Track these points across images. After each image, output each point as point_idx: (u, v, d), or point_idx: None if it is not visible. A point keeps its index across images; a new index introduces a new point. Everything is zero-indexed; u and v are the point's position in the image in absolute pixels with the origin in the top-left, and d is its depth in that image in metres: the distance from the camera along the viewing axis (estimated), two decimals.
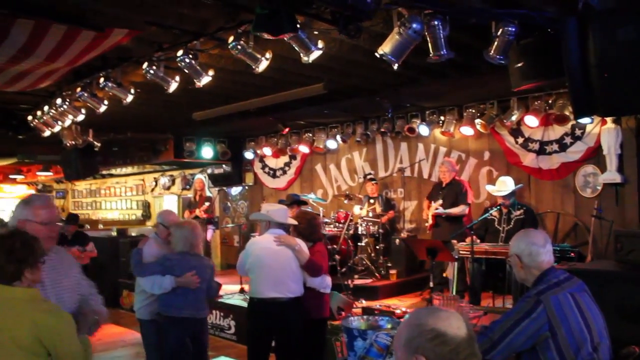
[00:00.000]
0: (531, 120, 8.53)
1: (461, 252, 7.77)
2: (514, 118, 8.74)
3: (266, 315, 5.34)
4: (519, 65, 5.16)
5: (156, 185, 17.03)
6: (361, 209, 10.18)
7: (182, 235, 5.42)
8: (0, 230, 3.14)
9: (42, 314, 2.88)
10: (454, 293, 7.89)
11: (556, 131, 8.66)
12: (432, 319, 2.08)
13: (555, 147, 8.72)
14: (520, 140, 9.08)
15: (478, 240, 7.77)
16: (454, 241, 7.91)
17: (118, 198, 18.74)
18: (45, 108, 8.40)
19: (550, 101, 8.37)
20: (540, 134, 8.83)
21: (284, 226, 5.59)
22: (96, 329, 3.51)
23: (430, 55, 4.87)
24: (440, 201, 8.72)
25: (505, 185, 7.96)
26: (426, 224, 9.23)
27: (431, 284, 7.31)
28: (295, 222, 5.65)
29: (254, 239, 5.84)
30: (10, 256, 2.90)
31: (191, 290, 5.38)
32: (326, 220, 10.37)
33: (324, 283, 5.65)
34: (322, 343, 5.87)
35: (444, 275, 8.77)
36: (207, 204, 12.29)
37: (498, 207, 7.92)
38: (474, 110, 9.24)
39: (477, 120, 9.03)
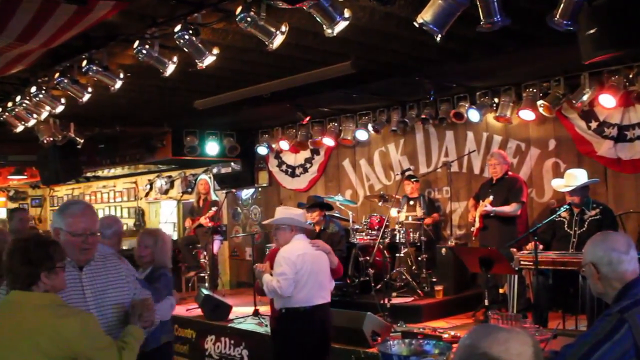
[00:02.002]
0: (607, 100, 8.43)
1: (522, 262, 7.71)
2: (585, 98, 8.65)
3: (317, 322, 6.09)
4: (591, 32, 5.09)
5: (151, 188, 17.13)
6: (399, 212, 10.15)
7: None
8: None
9: (61, 319, 3.18)
10: (514, 313, 7.82)
11: (639, 113, 8.56)
12: (487, 340, 2.06)
13: (638, 132, 8.62)
14: (594, 124, 8.99)
15: (542, 247, 7.70)
16: (513, 249, 7.85)
17: (106, 205, 18.87)
18: (18, 98, 8.48)
19: (630, 76, 8.27)
20: (618, 117, 8.73)
21: (306, 231, 6.21)
22: (150, 317, 3.73)
23: (481, 23, 4.84)
24: (491, 198, 8.68)
25: (575, 179, 7.88)
26: (472, 229, 9.20)
27: (486, 302, 7.28)
28: (309, 227, 6.36)
29: (291, 248, 6.08)
30: (23, 259, 3.24)
31: None
32: (356, 226, 10.38)
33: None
34: None
35: (501, 291, 8.71)
36: (212, 209, 12.36)
37: (567, 207, 7.85)
38: (535, 90, 9.16)
39: (540, 102, 8.95)
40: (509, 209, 8.70)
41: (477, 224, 8.93)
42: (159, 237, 5.88)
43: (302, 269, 5.99)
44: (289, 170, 13.29)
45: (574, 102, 8.75)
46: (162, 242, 5.86)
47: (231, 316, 9.68)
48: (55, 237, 3.63)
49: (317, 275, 6.10)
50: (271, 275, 6.11)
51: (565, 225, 7.92)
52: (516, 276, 7.96)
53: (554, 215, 7.84)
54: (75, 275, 3.65)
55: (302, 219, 6.24)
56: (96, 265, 3.77)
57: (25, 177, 17.41)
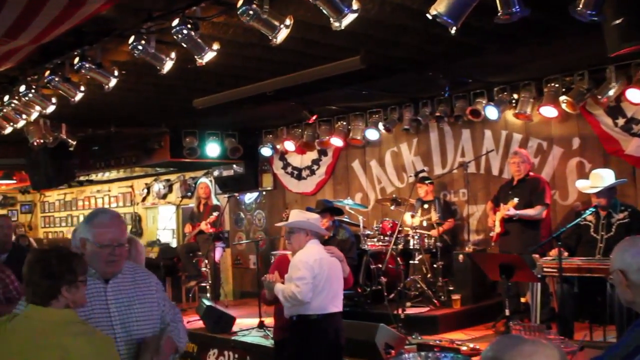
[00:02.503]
0: (635, 95, 8.39)
1: (545, 269, 7.68)
2: (611, 93, 8.63)
3: (330, 332, 6.16)
4: (618, 22, 5.08)
5: (148, 193, 17.16)
6: (413, 216, 10.14)
7: None
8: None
9: (72, 337, 3.14)
10: (537, 323, 7.79)
11: None
12: (512, 353, 2.05)
13: None
14: (621, 121, 8.97)
15: (567, 254, 7.68)
16: (536, 255, 7.83)
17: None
18: (6, 98, 8.50)
19: None
20: None
21: (320, 237, 6.31)
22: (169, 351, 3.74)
23: (499, 14, 4.83)
24: (515, 200, 8.64)
25: (601, 179, 7.85)
26: (491, 234, 9.18)
27: (506, 312, 7.26)
28: (327, 233, 6.45)
29: (308, 253, 6.14)
30: (44, 272, 3.22)
31: None
32: (367, 232, 10.37)
33: None
34: None
35: (523, 300, 8.68)
36: (214, 215, 12.38)
37: (594, 210, 7.81)
38: (557, 85, 9.14)
39: (563, 98, 8.94)
40: (533, 211, 8.68)
41: (497, 229, 8.91)
42: (132, 246, 5.89)
43: (319, 275, 6.06)
44: (295, 172, 13.30)
45: (599, 97, 8.72)
46: (136, 252, 5.81)
47: (235, 328, 9.68)
48: (81, 247, 3.66)
49: (332, 283, 6.19)
50: (282, 284, 6.16)
51: (592, 230, 7.88)
52: (539, 284, 7.93)
53: (579, 219, 7.81)
54: (100, 288, 3.66)
55: (318, 223, 6.33)
56: (124, 278, 3.77)
57: (14, 181, 17.45)
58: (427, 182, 10.31)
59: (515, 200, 8.67)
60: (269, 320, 9.07)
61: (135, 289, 3.78)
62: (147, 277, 3.91)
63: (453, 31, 4.98)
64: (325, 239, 9.53)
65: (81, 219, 19.24)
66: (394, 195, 10.84)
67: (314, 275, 6.00)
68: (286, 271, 6.19)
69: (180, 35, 5.86)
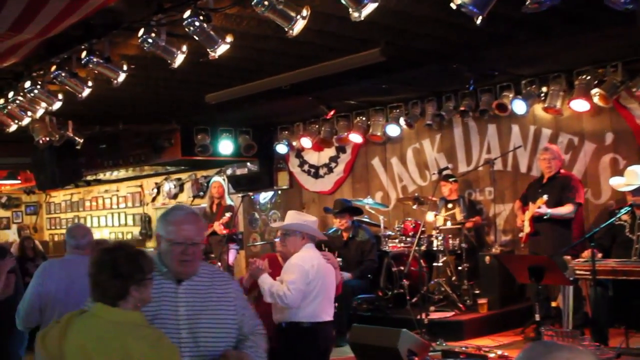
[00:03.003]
0: None
1: (578, 271, 7.64)
2: None
3: (321, 341, 6.05)
4: None
5: (159, 192, 17.20)
6: (436, 216, 10.12)
7: None
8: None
9: (136, 340, 3.22)
10: (570, 329, 7.75)
11: None
12: None
13: None
14: None
15: (600, 255, 7.63)
16: (567, 257, 7.79)
17: (108, 211, 19.00)
18: (10, 94, 8.55)
19: None
20: None
21: (315, 241, 6.21)
22: None
23: (527, 2, 4.81)
24: (545, 197, 8.58)
25: (636, 177, 7.81)
26: (520, 235, 9.14)
27: (537, 317, 7.22)
28: (324, 237, 6.38)
29: (304, 257, 6.03)
30: (114, 271, 3.31)
31: None
32: (389, 232, 10.36)
33: None
34: None
35: (554, 304, 8.64)
36: (227, 215, 12.37)
37: (629, 209, 7.77)
38: (589, 77, 9.09)
39: (595, 90, 8.88)
40: (565, 210, 8.62)
41: (526, 229, 8.86)
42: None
43: (314, 281, 5.94)
44: (312, 170, 13.30)
45: (633, 90, 8.67)
46: None
47: None
48: (156, 242, 3.73)
49: (327, 290, 6.09)
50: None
51: (627, 230, 7.83)
52: (571, 287, 7.88)
53: (614, 219, 7.77)
54: (171, 288, 3.63)
55: (315, 226, 6.20)
56: (200, 281, 3.70)
57: (19, 181, 17.56)
58: (451, 180, 10.28)
59: (545, 197, 8.59)
60: None
61: (211, 294, 3.70)
62: (226, 282, 3.83)
63: (479, 21, 4.97)
64: (344, 240, 9.56)
65: (88, 220, 19.40)
66: (416, 194, 10.80)
67: (308, 282, 5.89)
68: (275, 273, 6.09)
69: (192, 28, 5.86)
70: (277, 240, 6.62)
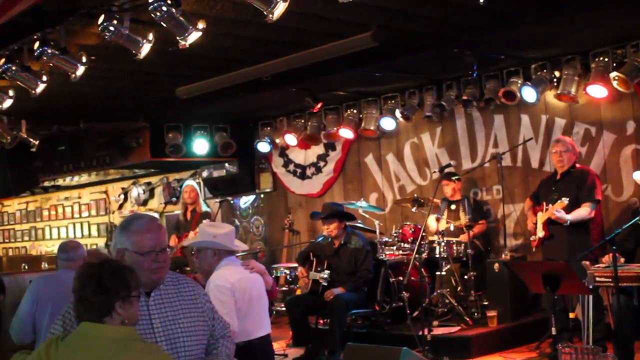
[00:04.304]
0: None
1: (598, 278, 7.63)
2: None
3: (260, 357, 6.12)
4: None
5: (126, 199, 17.18)
6: (438, 219, 10.09)
7: None
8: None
9: (136, 354, 3.39)
10: (590, 344, 7.76)
11: None
12: None
13: None
14: None
15: (623, 259, 7.62)
16: (586, 262, 7.79)
17: (69, 221, 18.96)
18: None
19: None
20: None
21: (234, 254, 6.23)
22: None
23: None
24: (565, 201, 8.55)
25: None
26: (532, 238, 9.12)
27: (553, 331, 7.21)
28: (245, 247, 6.61)
29: (223, 275, 6.00)
30: (97, 287, 3.45)
31: None
32: (385, 239, 10.36)
33: None
34: None
35: (572, 316, 8.63)
36: (204, 223, 12.33)
37: None
38: (607, 59, 9.09)
39: (614, 74, 8.88)
40: (585, 212, 8.56)
41: (539, 232, 8.84)
42: (93, 255, 6.58)
43: (240, 298, 5.94)
44: (298, 170, 13.30)
45: None
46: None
47: None
48: (119, 259, 3.85)
49: (257, 303, 6.14)
50: None
51: None
52: (591, 297, 7.88)
53: (637, 218, 7.75)
54: (142, 301, 3.80)
55: (228, 238, 6.06)
56: (167, 290, 3.98)
57: None
58: (454, 178, 10.27)
59: (565, 200, 8.53)
60: None
61: (180, 301, 3.99)
62: (192, 288, 4.10)
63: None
64: (336, 248, 9.54)
65: (47, 232, 19.32)
66: (415, 195, 10.77)
67: (235, 300, 5.90)
68: None
69: (158, 13, 5.84)
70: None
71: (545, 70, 9.73)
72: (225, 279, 5.92)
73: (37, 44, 6.82)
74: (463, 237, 9.89)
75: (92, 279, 3.48)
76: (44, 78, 7.43)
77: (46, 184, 17.05)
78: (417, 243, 9.46)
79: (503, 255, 9.95)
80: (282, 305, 10.49)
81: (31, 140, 11.17)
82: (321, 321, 9.97)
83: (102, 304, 3.44)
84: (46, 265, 16.97)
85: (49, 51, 6.78)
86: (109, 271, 3.50)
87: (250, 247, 13.86)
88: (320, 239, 10.19)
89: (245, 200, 14.41)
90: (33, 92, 7.50)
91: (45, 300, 6.53)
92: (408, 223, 10.54)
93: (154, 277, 3.88)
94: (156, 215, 15.62)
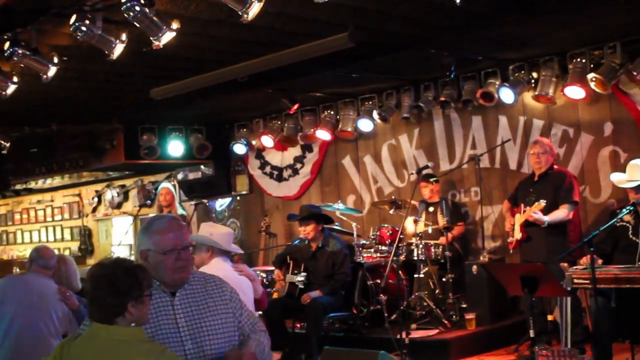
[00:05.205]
0: None
1: (576, 280, 7.66)
2: None
3: None
4: None
5: (100, 202, 17.09)
6: (416, 222, 10.11)
7: None
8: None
9: (142, 357, 3.44)
10: (568, 346, 7.80)
11: None
12: None
13: None
14: None
15: (601, 261, 7.67)
16: (564, 264, 7.82)
17: (42, 225, 18.83)
18: None
19: None
20: None
21: (229, 255, 6.40)
22: None
23: None
24: (542, 203, 8.60)
25: (639, 172, 7.86)
26: (509, 240, 9.16)
27: (531, 334, 7.24)
28: (240, 251, 6.87)
29: (208, 270, 6.03)
30: (112, 287, 3.51)
31: None
32: (362, 241, 10.35)
33: None
34: None
35: (550, 318, 8.68)
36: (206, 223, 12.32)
37: (632, 208, 7.82)
38: (584, 60, 9.13)
39: (591, 75, 8.92)
40: (563, 214, 8.62)
41: (517, 234, 8.87)
42: (60, 260, 7.01)
43: None
44: (275, 172, 13.28)
45: (634, 74, 8.71)
46: (65, 265, 7.03)
47: None
48: (143, 260, 3.94)
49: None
50: None
51: (630, 232, 7.86)
52: (569, 299, 7.93)
53: (615, 220, 7.80)
54: (166, 302, 3.93)
55: (225, 239, 6.38)
56: (192, 289, 4.04)
57: None
58: (432, 180, 10.28)
59: (543, 202, 8.58)
60: None
61: (207, 300, 4.04)
62: (220, 286, 4.17)
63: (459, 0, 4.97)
64: (313, 251, 9.53)
65: (19, 236, 19.18)
66: (392, 197, 10.82)
67: None
68: None
69: (132, 13, 5.82)
70: None
71: (523, 72, 9.77)
72: (209, 271, 5.99)
73: (7, 44, 6.75)
74: (441, 240, 9.92)
75: (106, 279, 3.53)
76: (15, 79, 7.39)
77: (17, 186, 16.89)
78: (395, 245, 9.43)
79: (481, 258, 10.02)
80: None
81: (2, 142, 11.11)
82: (298, 325, 9.97)
83: (116, 304, 3.50)
84: (17, 270, 16.79)
85: (20, 51, 6.74)
86: (122, 271, 3.56)
87: None
88: (297, 241, 10.17)
89: (221, 203, 14.38)
90: (3, 93, 7.46)
91: (9, 300, 6.63)
92: (386, 225, 10.53)
93: (178, 276, 3.94)
94: (130, 218, 15.61)
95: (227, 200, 14.25)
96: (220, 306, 4.07)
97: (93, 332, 3.53)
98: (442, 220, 10.00)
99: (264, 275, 11.23)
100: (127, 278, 3.54)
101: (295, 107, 11.09)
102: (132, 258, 15.28)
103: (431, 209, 10.34)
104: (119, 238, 15.76)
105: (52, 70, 6.99)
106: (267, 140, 12.49)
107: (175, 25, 6.11)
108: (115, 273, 3.54)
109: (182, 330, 3.89)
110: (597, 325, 7.55)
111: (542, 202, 8.59)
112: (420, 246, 9.79)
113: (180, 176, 14.45)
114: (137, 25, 5.96)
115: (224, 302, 4.10)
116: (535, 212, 8.58)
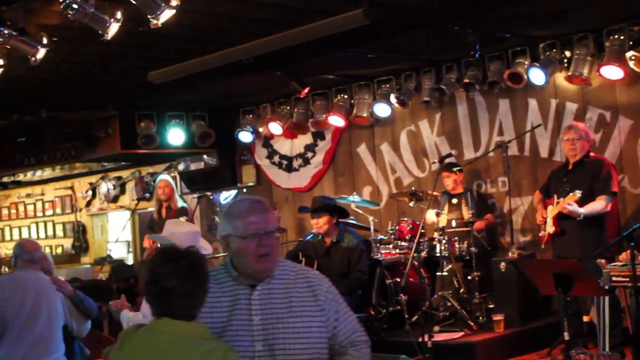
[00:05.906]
0: None
1: (614, 278, 7.65)
2: None
3: None
4: None
5: (94, 195, 17.15)
6: (438, 214, 10.10)
7: None
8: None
9: (201, 355, 3.45)
10: (607, 349, 7.77)
11: None
12: None
13: None
14: None
15: None
16: (601, 261, 7.80)
17: (32, 220, 18.92)
18: None
19: None
20: None
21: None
22: None
23: None
24: (578, 194, 8.56)
25: None
26: (541, 234, 9.15)
27: (565, 336, 7.21)
28: (210, 249, 6.72)
29: None
30: (197, 280, 3.57)
31: None
32: (380, 236, 10.34)
33: None
34: None
35: (586, 319, 8.64)
36: (173, 220, 12.32)
37: None
38: (622, 37, 9.10)
39: (630, 53, 8.91)
40: (600, 205, 8.57)
41: (549, 228, 8.84)
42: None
43: None
44: (284, 162, 13.31)
45: None
46: (46, 259, 7.45)
47: None
48: (225, 247, 3.95)
49: None
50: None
51: None
52: (607, 298, 7.90)
53: None
54: (244, 294, 3.85)
55: (185, 238, 6.19)
56: (277, 284, 3.90)
57: None
58: (455, 169, 10.26)
59: (578, 193, 8.53)
60: None
61: (292, 298, 3.87)
62: (314, 283, 3.97)
63: None
64: (327, 246, 9.52)
65: (7, 233, 19.25)
66: (412, 188, 10.80)
67: None
68: None
69: None
70: None
71: (554, 50, 9.74)
72: None
73: None
74: (466, 234, 9.90)
75: (193, 272, 3.56)
76: (1, 62, 7.40)
77: (5, 179, 17.01)
78: (416, 241, 9.41)
79: (510, 254, 9.96)
80: None
81: None
82: None
83: (202, 300, 3.58)
84: (6, 270, 16.91)
85: (6, 32, 6.77)
86: (200, 262, 3.63)
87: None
88: (309, 237, 10.16)
89: (226, 196, 14.40)
90: None
91: (8, 302, 6.81)
92: (405, 219, 10.54)
93: (261, 266, 3.82)
94: (128, 212, 15.65)
95: (232, 192, 14.27)
96: (307, 307, 3.87)
97: (157, 326, 3.55)
98: (467, 213, 10.00)
99: None
100: (204, 270, 3.62)
101: (306, 90, 11.08)
102: (131, 257, 15.42)
103: (454, 200, 10.32)
104: (116, 234, 15.86)
105: (41, 52, 7.00)
106: (275, 127, 12.51)
107: (174, 2, 6.10)
108: (195, 265, 3.59)
109: (255, 329, 3.76)
110: (638, 327, 7.54)
111: (578, 193, 8.54)
112: (443, 241, 9.78)
113: (181, 167, 14.48)
114: (133, 2, 5.96)
115: (315, 304, 3.89)
116: (569, 203, 8.53)
